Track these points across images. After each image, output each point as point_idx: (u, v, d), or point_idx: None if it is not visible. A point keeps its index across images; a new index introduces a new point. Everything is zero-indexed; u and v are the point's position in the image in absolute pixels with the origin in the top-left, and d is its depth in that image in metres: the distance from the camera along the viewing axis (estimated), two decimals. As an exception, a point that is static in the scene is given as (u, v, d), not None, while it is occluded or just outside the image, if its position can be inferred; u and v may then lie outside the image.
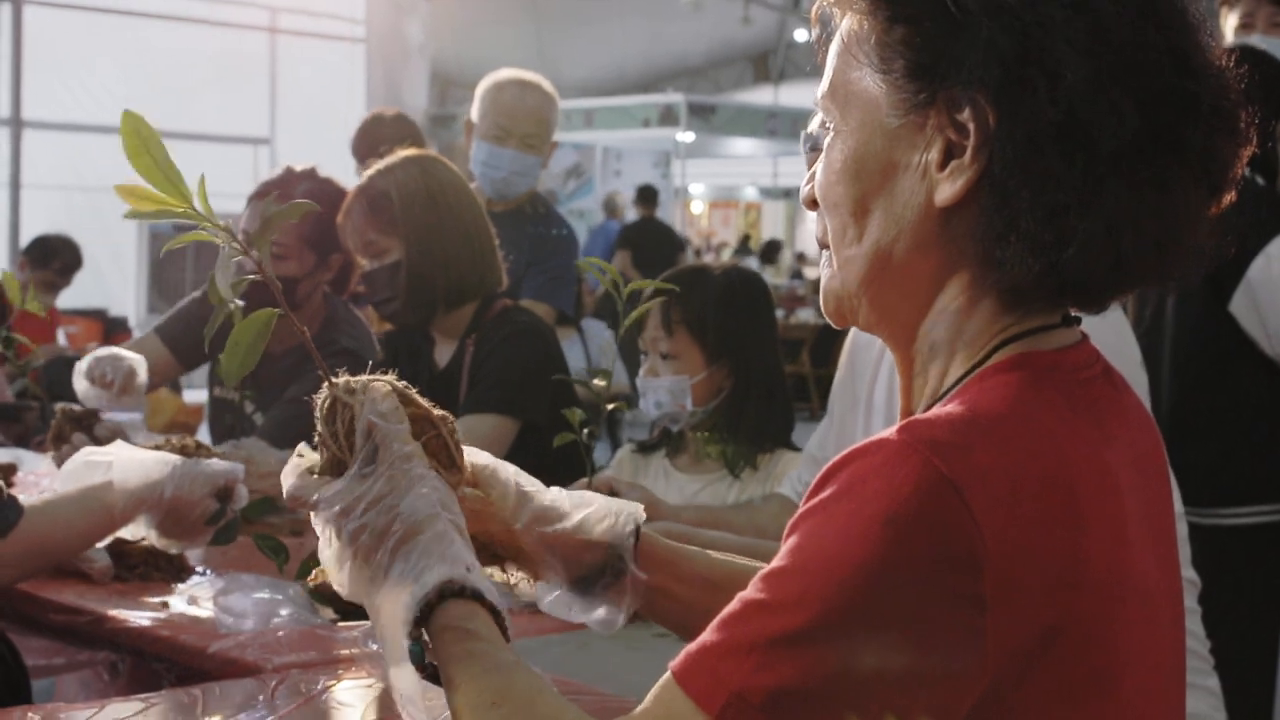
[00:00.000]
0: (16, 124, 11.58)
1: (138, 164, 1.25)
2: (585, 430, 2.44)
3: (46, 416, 5.35)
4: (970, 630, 1.05)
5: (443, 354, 3.32)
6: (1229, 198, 1.18)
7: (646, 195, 12.77)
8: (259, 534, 2.34)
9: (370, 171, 3.25)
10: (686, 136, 14.65)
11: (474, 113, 4.21)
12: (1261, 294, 3.23)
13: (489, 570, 1.41)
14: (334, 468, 1.31)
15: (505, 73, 4.21)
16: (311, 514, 1.32)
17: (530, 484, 1.41)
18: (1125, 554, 1.13)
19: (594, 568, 1.41)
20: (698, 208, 21.43)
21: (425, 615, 1.23)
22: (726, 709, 1.05)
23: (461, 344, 3.26)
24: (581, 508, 1.41)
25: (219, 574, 2.52)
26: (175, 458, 2.37)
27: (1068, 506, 1.09)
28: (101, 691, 2.84)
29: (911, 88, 1.16)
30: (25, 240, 9.61)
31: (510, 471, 1.41)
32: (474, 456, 1.39)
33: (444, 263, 3.18)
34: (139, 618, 2.30)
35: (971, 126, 1.14)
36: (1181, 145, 1.13)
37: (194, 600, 2.38)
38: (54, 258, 7.31)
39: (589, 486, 2.40)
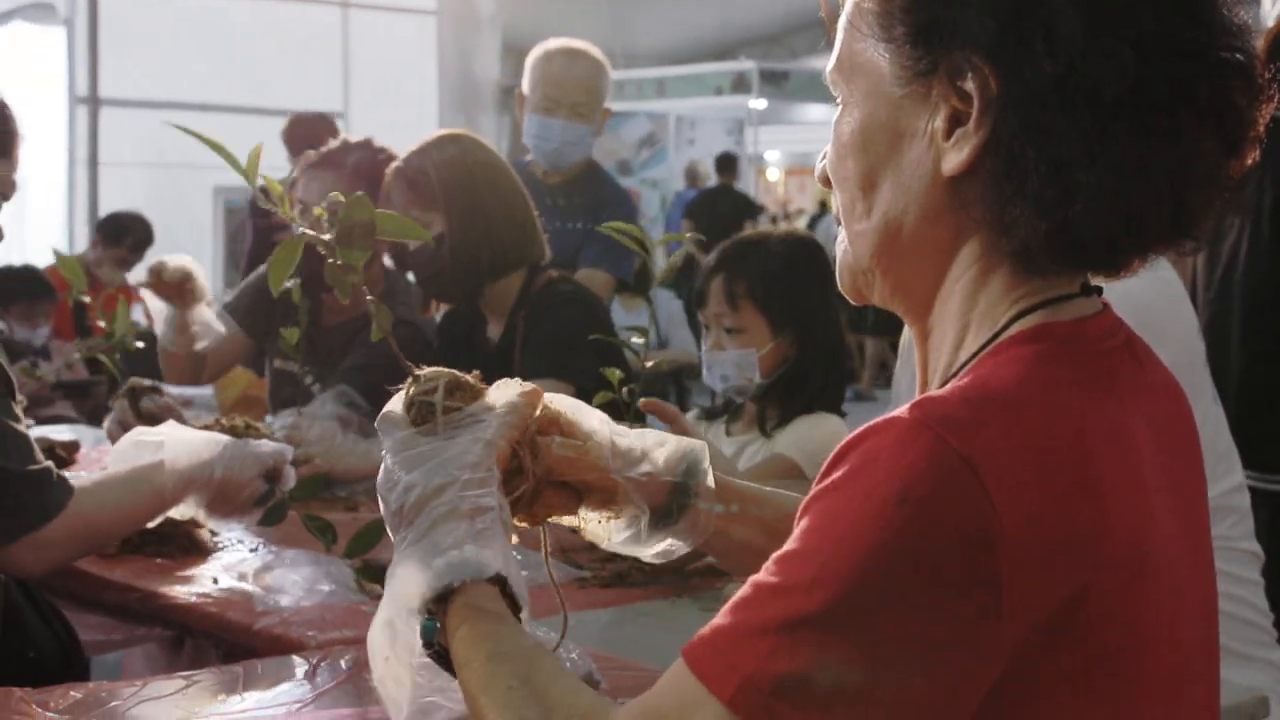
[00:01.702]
0: (94, 102, 11.68)
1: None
2: (625, 389, 2.42)
3: (115, 391, 5.38)
4: (987, 610, 1.03)
5: (495, 331, 3.34)
6: (1252, 158, 1.14)
7: (726, 163, 12.70)
8: (307, 514, 2.34)
9: (406, 153, 3.29)
10: (759, 103, 14.56)
11: (525, 85, 4.20)
12: None
13: (566, 519, 1.42)
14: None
15: (553, 42, 4.18)
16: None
17: (617, 429, 1.41)
18: (1147, 529, 1.11)
19: (663, 504, 1.41)
20: (773, 175, 21.30)
21: (445, 593, 1.23)
22: (739, 694, 1.04)
23: (512, 320, 3.29)
24: (658, 447, 1.41)
25: (268, 549, 2.53)
26: (225, 438, 2.38)
27: (1085, 481, 1.07)
28: (166, 665, 2.87)
29: (913, 55, 1.16)
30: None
31: (598, 418, 1.40)
32: (561, 404, 1.39)
33: (486, 232, 3.20)
34: (187, 595, 2.31)
35: (975, 92, 1.13)
36: (1191, 96, 1.10)
37: (244, 576, 2.38)
38: (126, 234, 7.38)
39: None
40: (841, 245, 1.25)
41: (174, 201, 11.26)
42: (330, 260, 1.34)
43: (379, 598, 2.21)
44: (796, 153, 21.32)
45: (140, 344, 3.24)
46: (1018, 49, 1.10)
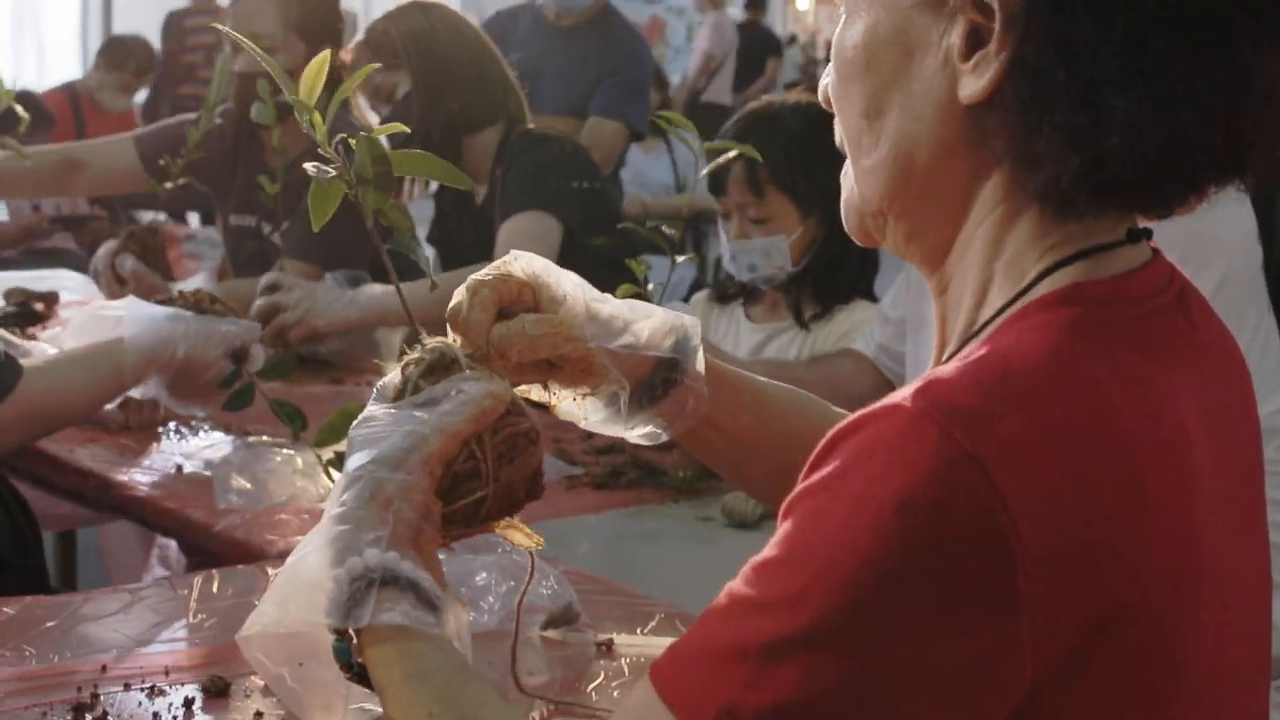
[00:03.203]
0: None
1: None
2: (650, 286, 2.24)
3: (118, 224, 5.24)
4: (1002, 633, 0.87)
5: (480, 193, 3.23)
6: None
7: (757, 1, 12.33)
8: (275, 400, 2.18)
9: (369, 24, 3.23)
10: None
11: None
12: None
13: (532, 390, 1.26)
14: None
15: None
16: None
17: (595, 294, 1.25)
18: (1194, 534, 0.95)
19: (645, 381, 1.26)
20: (803, 3, 20.80)
21: (356, 605, 1.06)
22: None
23: (492, 176, 3.19)
24: (643, 319, 1.26)
25: (235, 435, 2.38)
26: (188, 314, 2.22)
27: (1121, 481, 0.91)
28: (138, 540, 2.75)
29: None
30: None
31: (574, 283, 1.24)
32: (533, 265, 1.22)
33: (453, 87, 3.12)
34: (147, 486, 2.16)
35: (996, 3, 0.94)
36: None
37: (209, 465, 2.23)
38: (129, 59, 7.13)
39: None
40: (847, 182, 1.08)
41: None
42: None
43: None
44: (829, -18, 20.80)
45: None
46: None
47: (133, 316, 2.20)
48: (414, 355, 1.16)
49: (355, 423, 1.14)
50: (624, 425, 1.28)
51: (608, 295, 1.26)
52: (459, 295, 1.20)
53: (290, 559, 1.09)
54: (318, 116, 1.14)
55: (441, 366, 1.15)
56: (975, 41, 0.96)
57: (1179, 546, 0.93)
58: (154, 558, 2.82)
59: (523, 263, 1.22)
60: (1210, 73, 0.92)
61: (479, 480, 1.12)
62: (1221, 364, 1.07)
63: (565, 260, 3.25)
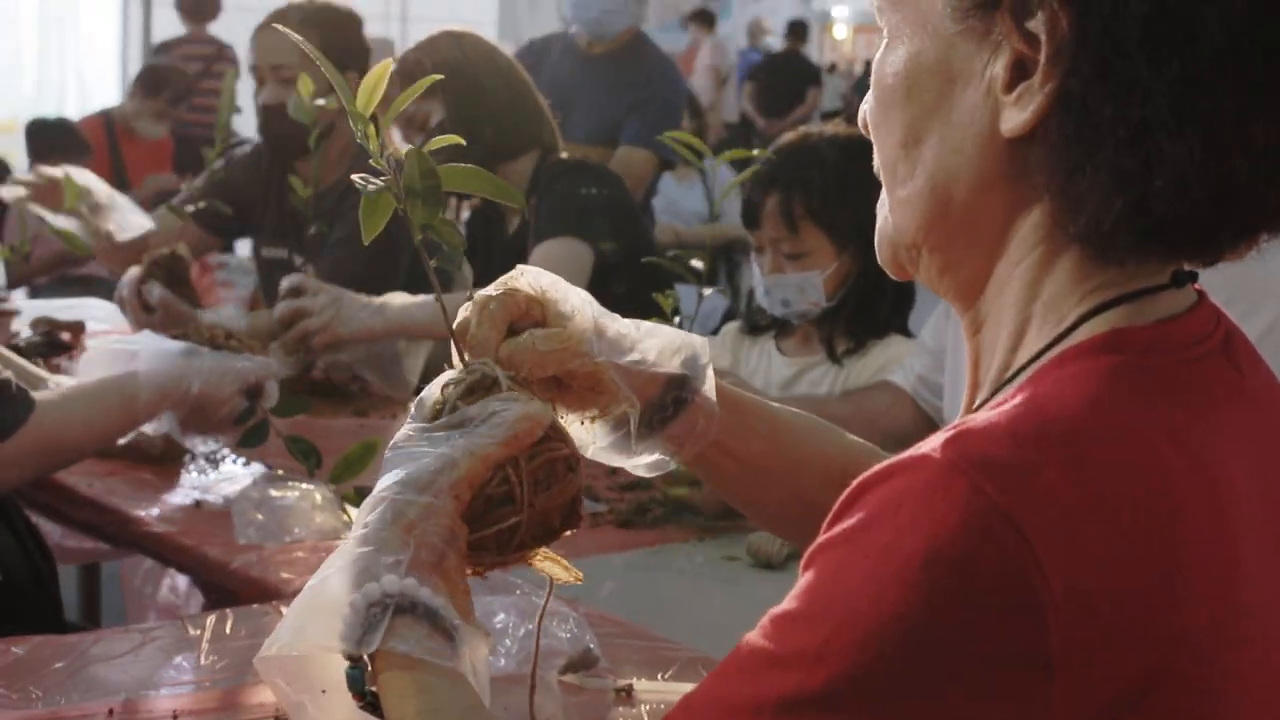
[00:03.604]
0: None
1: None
2: (678, 319, 2.21)
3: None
4: (1032, 697, 0.83)
5: (513, 223, 3.21)
6: None
7: (795, 30, 12.29)
8: (290, 436, 2.14)
9: (401, 53, 3.23)
10: (828, -42, 14.08)
11: None
12: None
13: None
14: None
15: None
16: None
17: (602, 311, 1.22)
18: (1238, 591, 0.90)
19: (655, 401, 1.23)
20: (840, 32, 20.78)
21: (369, 631, 1.02)
22: None
23: (525, 205, 3.08)
24: (651, 337, 1.23)
25: (253, 469, 2.35)
26: (204, 350, 2.18)
27: (1162, 539, 0.86)
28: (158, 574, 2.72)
29: None
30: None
31: (582, 299, 1.21)
32: (540, 281, 1.19)
33: (487, 115, 3.09)
34: (162, 521, 2.13)
35: (1043, 34, 0.90)
36: None
37: (227, 499, 2.19)
38: (164, 87, 7.15)
39: None
40: (882, 211, 1.04)
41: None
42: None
43: None
44: (865, 10, 20.80)
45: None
46: None
47: (147, 351, 2.17)
48: (454, 375, 1.13)
49: (391, 443, 1.11)
50: (630, 452, 1.24)
51: (615, 314, 1.22)
52: (465, 311, 1.16)
53: (312, 580, 1.05)
54: (372, 127, 1.10)
55: (482, 388, 1.11)
56: (1020, 73, 0.92)
57: (1222, 607, 0.88)
58: (165, 587, 2.78)
59: (529, 278, 1.18)
60: (1266, 119, 0.88)
61: (513, 506, 1.07)
62: (1270, 411, 1.02)
63: (596, 289, 3.20)
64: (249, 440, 2.21)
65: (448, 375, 1.14)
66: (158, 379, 2.13)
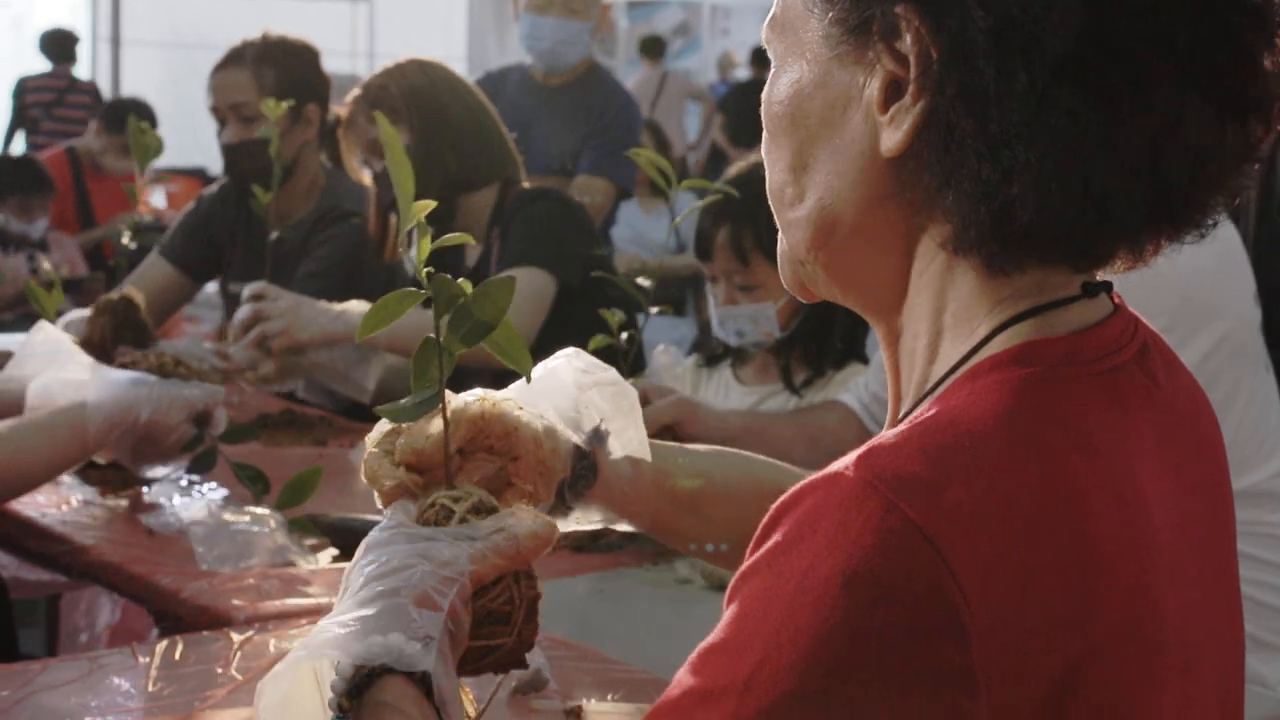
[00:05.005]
0: (116, -20, 11.42)
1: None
2: (624, 335, 2.22)
3: (113, 285, 5.19)
4: (958, 712, 0.83)
5: (472, 254, 3.18)
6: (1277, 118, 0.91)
7: (762, 58, 12.35)
8: (237, 463, 2.15)
9: (366, 79, 3.19)
10: (796, -8, 14.11)
11: None
12: None
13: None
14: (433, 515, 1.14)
15: None
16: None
17: (504, 396, 1.23)
18: (1151, 593, 0.91)
19: (576, 470, 1.27)
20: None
21: (361, 686, 1.05)
22: None
23: (488, 238, 3.14)
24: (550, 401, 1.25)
25: (212, 490, 2.34)
26: (152, 378, 2.19)
27: (1074, 550, 0.87)
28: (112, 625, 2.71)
29: (844, 7, 0.95)
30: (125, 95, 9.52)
31: (538, 423, 1.22)
32: (490, 399, 1.20)
33: (451, 142, 3.06)
34: (116, 552, 2.12)
35: (911, 55, 0.92)
36: (1165, 45, 0.88)
37: (180, 527, 2.19)
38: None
39: None
40: (780, 236, 1.05)
41: (194, 82, 11.03)
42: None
43: (336, 557, 2.07)
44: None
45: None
46: None
47: (96, 381, 2.17)
48: (450, 493, 1.15)
49: (382, 525, 1.13)
50: (561, 513, 1.27)
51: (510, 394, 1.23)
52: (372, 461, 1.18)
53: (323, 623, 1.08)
54: (426, 242, 1.12)
55: (488, 510, 1.13)
56: (895, 93, 0.94)
57: (1136, 616, 0.89)
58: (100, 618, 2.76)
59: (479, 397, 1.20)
60: (1128, 121, 0.89)
61: (506, 627, 1.11)
62: (1187, 420, 1.03)
63: (558, 316, 3.15)
64: (197, 466, 2.21)
65: (440, 495, 1.14)
66: (106, 408, 2.13)
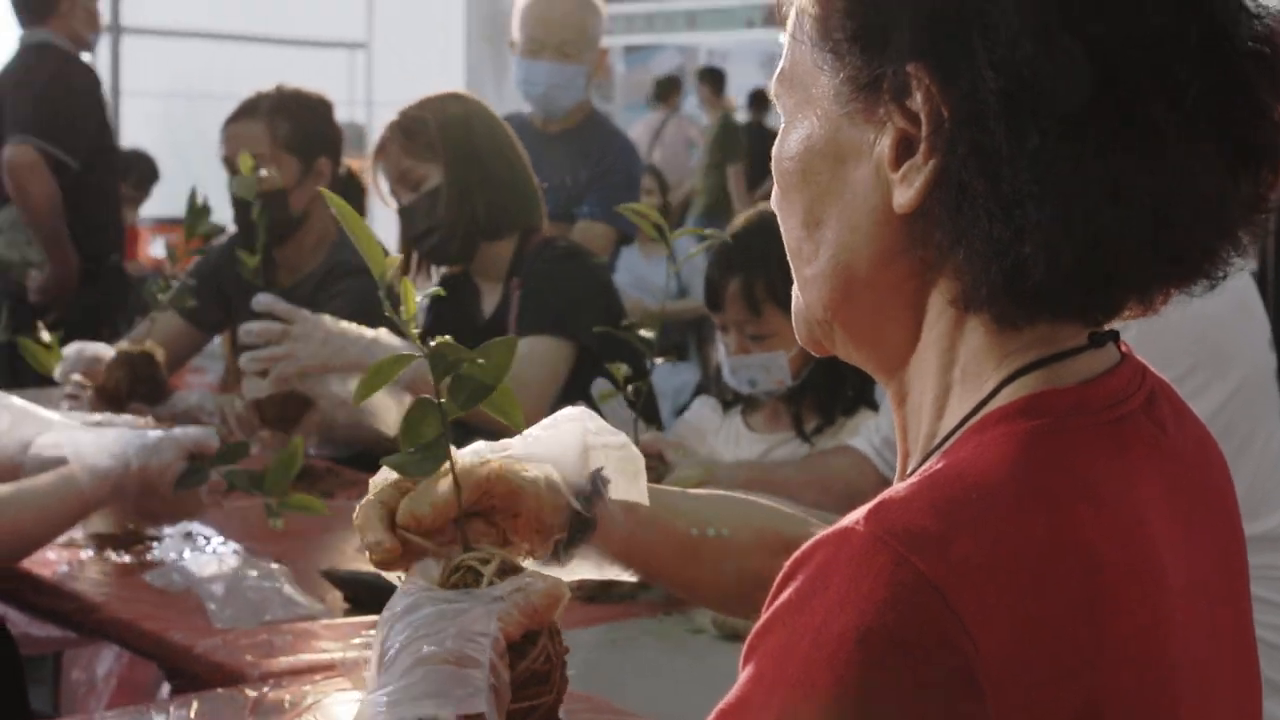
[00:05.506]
0: (116, 30, 11.46)
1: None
2: (631, 387, 2.22)
3: (122, 331, 5.20)
4: None
5: (489, 302, 3.14)
6: None
7: (759, 101, 12.37)
8: (229, 470, 2.18)
9: (404, 106, 3.11)
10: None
11: (513, 30, 4.01)
12: None
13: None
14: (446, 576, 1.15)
15: None
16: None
17: (502, 447, 1.22)
18: (1167, 647, 0.91)
19: (573, 523, 1.25)
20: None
21: None
22: None
23: (506, 287, 3.10)
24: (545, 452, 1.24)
25: (225, 545, 2.34)
26: (132, 432, 2.24)
27: (1084, 602, 0.87)
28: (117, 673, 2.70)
29: (854, 64, 0.96)
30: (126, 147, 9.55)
31: (541, 481, 1.21)
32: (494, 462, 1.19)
33: (483, 183, 3.02)
34: (128, 610, 2.12)
35: (923, 114, 0.92)
36: (1171, 95, 0.89)
37: (191, 585, 2.18)
38: (129, 172, 7.16)
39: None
40: (795, 293, 1.06)
41: (194, 132, 11.08)
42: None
43: (347, 610, 2.06)
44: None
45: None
46: (959, 56, 0.90)
47: (76, 445, 2.20)
48: (474, 555, 1.15)
49: (409, 590, 1.13)
50: (561, 565, 1.26)
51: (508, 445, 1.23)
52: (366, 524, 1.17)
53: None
54: (412, 302, 1.13)
55: (512, 570, 1.14)
56: (906, 151, 0.94)
57: (1149, 666, 0.90)
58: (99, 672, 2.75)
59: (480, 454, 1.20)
60: (1135, 176, 0.89)
61: (546, 685, 1.12)
62: (1197, 467, 1.03)
63: (579, 377, 3.11)
64: (186, 482, 2.21)
65: (463, 558, 1.15)
66: (97, 465, 2.16)
